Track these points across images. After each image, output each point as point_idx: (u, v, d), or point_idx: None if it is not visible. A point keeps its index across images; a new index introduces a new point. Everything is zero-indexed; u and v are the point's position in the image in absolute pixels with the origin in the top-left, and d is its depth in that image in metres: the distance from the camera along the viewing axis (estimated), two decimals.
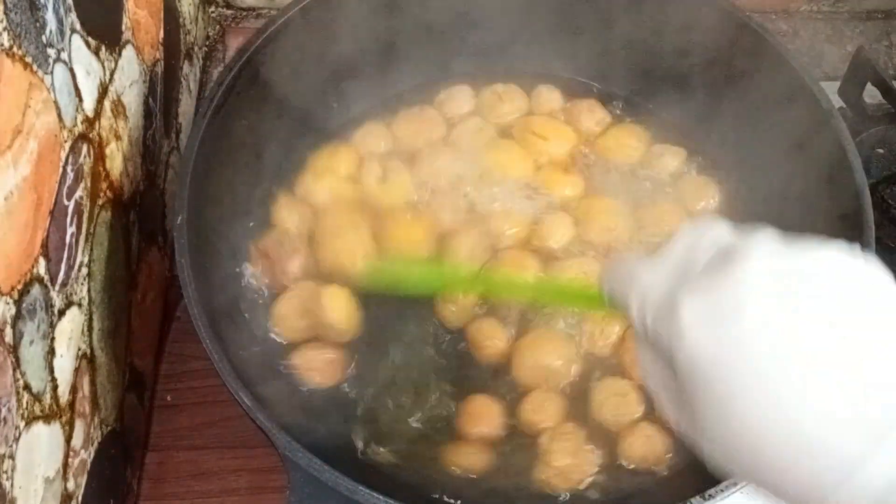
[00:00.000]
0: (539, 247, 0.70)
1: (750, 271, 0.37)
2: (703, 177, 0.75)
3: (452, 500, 0.62)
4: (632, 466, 0.63)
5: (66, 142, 0.53)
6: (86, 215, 0.56)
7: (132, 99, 0.66)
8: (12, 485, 0.46)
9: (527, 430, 0.64)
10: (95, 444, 0.59)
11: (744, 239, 0.39)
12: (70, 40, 0.53)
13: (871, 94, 0.78)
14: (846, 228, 0.63)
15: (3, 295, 0.45)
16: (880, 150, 0.77)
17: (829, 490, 0.35)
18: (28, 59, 0.47)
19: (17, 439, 0.46)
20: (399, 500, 0.53)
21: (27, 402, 0.48)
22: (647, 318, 0.40)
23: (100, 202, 0.59)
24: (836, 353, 0.35)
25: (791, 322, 0.36)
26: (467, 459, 0.63)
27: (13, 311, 0.46)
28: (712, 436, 0.38)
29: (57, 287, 0.52)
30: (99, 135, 0.59)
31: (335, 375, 0.66)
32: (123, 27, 0.64)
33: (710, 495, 0.54)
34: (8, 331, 0.45)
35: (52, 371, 0.51)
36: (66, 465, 0.54)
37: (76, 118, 0.54)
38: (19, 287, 0.46)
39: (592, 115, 0.77)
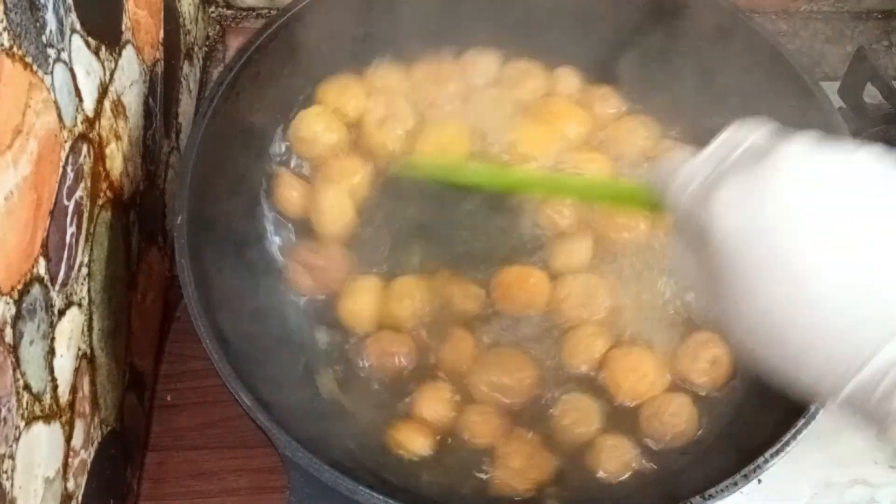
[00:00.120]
0: None
1: (786, 158, 0.39)
2: None
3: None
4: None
5: (66, 142, 0.53)
6: (86, 215, 0.56)
7: (132, 99, 0.66)
8: (12, 485, 0.46)
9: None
10: (95, 444, 0.59)
11: (784, 138, 0.41)
12: (70, 40, 0.53)
13: (871, 95, 0.78)
14: None
15: (3, 295, 0.45)
16: None
17: (840, 378, 0.36)
18: (28, 59, 0.47)
19: (17, 439, 0.46)
20: (398, 499, 0.53)
21: (27, 402, 0.48)
22: (687, 202, 0.42)
23: (100, 202, 0.59)
24: (861, 240, 0.37)
25: (820, 206, 0.37)
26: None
27: (13, 311, 0.46)
28: (739, 314, 0.39)
29: (57, 287, 0.52)
30: (99, 135, 0.59)
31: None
32: (123, 27, 0.64)
33: (710, 495, 0.54)
34: (8, 331, 0.45)
35: (52, 371, 0.51)
36: (66, 465, 0.54)
37: (76, 118, 0.54)
38: (19, 287, 0.46)
39: (606, 103, 0.77)
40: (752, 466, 0.55)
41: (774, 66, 0.70)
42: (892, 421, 0.35)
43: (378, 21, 0.75)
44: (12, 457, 0.46)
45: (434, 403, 0.64)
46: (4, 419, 0.45)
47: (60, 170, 0.52)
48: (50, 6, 0.50)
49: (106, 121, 0.60)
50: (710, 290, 0.42)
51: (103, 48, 0.59)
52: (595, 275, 0.68)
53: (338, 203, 0.70)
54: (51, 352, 0.51)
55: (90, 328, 0.58)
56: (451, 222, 0.70)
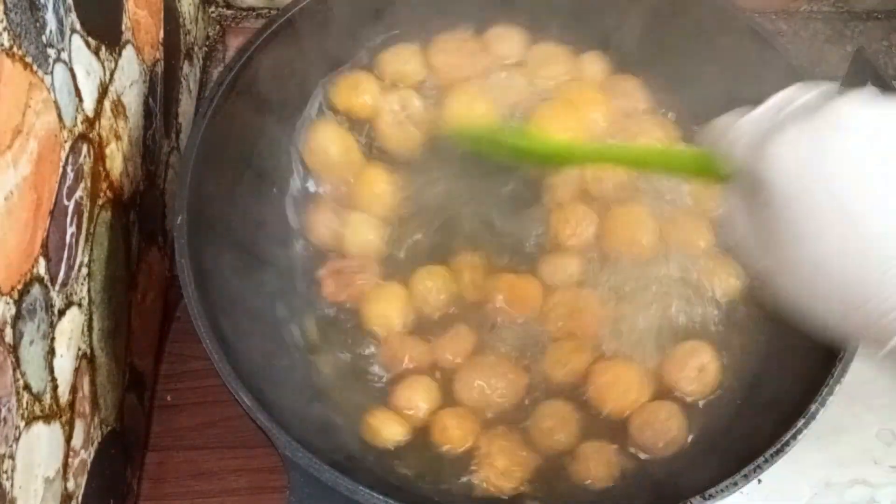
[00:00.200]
0: None
1: (846, 106, 0.40)
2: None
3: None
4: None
5: (66, 142, 0.53)
6: (86, 215, 0.56)
7: (132, 99, 0.66)
8: (12, 485, 0.46)
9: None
10: (95, 444, 0.59)
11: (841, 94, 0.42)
12: (70, 40, 0.53)
13: None
14: None
15: (3, 295, 0.45)
16: None
17: (889, 326, 0.37)
18: (28, 59, 0.47)
19: (17, 439, 0.46)
20: (398, 499, 0.53)
21: (27, 402, 0.48)
22: (743, 151, 0.43)
23: (100, 202, 0.59)
24: None
25: (877, 151, 0.38)
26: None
27: (13, 311, 0.46)
28: (791, 261, 0.40)
29: (57, 287, 0.52)
30: (99, 135, 0.59)
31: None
32: (123, 27, 0.64)
33: (710, 495, 0.54)
34: (8, 331, 0.45)
35: (52, 371, 0.51)
36: (66, 465, 0.54)
37: (76, 118, 0.54)
38: (19, 287, 0.46)
39: (628, 96, 0.75)
40: (752, 466, 0.55)
41: (774, 66, 0.70)
42: None
43: (378, 21, 0.75)
44: (12, 457, 0.46)
45: (414, 394, 0.64)
46: (4, 419, 0.45)
47: (60, 170, 0.52)
48: (50, 6, 0.50)
49: (106, 121, 0.60)
50: (759, 242, 0.42)
51: (103, 48, 0.59)
52: (585, 289, 0.68)
53: (364, 228, 0.70)
54: (51, 352, 0.51)
55: (90, 328, 0.58)
56: (483, 226, 0.69)
